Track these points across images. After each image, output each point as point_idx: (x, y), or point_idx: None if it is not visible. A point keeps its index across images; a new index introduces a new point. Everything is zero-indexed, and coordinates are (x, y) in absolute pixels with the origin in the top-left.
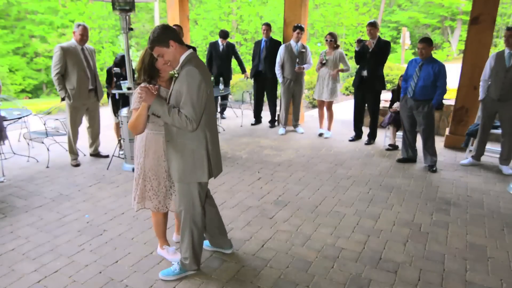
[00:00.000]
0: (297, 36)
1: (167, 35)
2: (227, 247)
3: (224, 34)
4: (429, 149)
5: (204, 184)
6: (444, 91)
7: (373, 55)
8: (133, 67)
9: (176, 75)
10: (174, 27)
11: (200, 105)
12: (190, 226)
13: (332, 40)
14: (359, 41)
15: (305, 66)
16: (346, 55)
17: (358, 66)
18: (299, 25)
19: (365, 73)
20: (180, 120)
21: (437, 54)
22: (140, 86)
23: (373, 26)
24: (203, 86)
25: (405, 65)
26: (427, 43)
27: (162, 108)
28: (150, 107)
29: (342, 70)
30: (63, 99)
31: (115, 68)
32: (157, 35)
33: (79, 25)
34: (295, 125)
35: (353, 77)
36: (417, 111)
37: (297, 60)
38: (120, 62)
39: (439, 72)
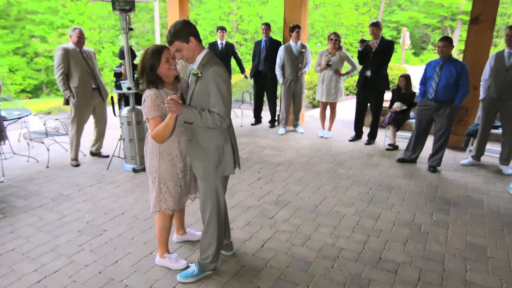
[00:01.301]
0: (297, 35)
1: (188, 30)
2: (229, 249)
3: (222, 27)
4: (441, 151)
5: (227, 178)
6: (467, 91)
7: (376, 55)
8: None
9: (200, 74)
10: None
11: (230, 102)
12: (214, 223)
13: (337, 40)
14: (362, 41)
15: (306, 69)
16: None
17: (361, 66)
18: (297, 24)
19: (368, 73)
20: (214, 120)
21: (437, 54)
22: (166, 100)
23: (376, 26)
24: (229, 83)
25: (405, 65)
26: (447, 41)
27: (193, 114)
28: (179, 116)
29: (348, 73)
30: (67, 102)
31: (115, 68)
32: (178, 29)
33: (75, 28)
34: (295, 125)
35: (353, 77)
36: (438, 113)
37: (300, 66)
38: (121, 56)
39: (462, 71)
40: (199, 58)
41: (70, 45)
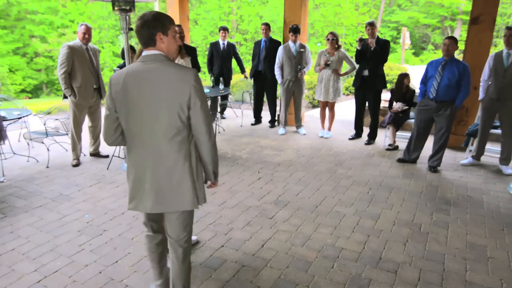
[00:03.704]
0: (292, 38)
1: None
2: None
3: (224, 27)
4: (441, 151)
5: (140, 212)
6: (468, 92)
7: (373, 54)
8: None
9: None
10: None
11: (107, 122)
12: None
13: (334, 39)
14: (361, 40)
15: (305, 70)
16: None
17: (358, 66)
18: (294, 26)
19: (366, 72)
20: None
21: (437, 54)
22: None
23: (372, 25)
24: (111, 98)
25: (405, 65)
26: (454, 40)
27: None
28: None
29: (347, 73)
30: (65, 98)
31: (115, 69)
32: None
33: (82, 24)
34: (298, 126)
35: (353, 77)
36: (438, 113)
37: (299, 67)
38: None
39: (464, 71)
40: None
41: (77, 42)
